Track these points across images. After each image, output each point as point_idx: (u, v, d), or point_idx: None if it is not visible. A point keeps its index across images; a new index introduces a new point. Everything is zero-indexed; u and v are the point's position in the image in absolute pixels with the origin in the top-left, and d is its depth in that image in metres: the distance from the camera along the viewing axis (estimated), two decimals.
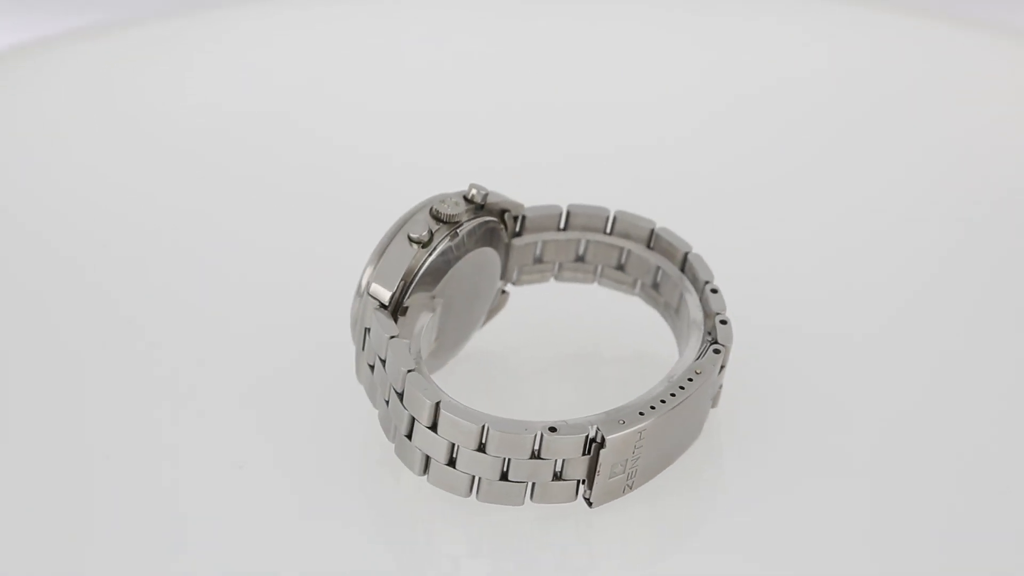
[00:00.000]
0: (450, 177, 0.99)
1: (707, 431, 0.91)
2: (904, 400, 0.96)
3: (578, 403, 0.90)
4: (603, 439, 0.83)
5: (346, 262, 0.94)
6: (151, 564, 0.85)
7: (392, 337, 0.85)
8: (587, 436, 0.83)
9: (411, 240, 0.88)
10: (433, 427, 0.84)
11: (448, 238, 0.89)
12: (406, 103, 1.28)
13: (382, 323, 0.86)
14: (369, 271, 0.88)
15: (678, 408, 0.85)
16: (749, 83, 1.31)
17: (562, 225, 0.96)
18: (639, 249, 0.96)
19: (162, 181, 1.17)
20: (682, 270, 0.95)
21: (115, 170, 1.18)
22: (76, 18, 1.46)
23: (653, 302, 0.97)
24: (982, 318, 1.03)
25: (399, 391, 0.85)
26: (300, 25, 1.38)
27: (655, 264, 0.96)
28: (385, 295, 0.87)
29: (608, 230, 0.96)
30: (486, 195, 0.90)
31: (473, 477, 0.85)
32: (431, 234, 0.88)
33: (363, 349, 0.88)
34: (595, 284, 0.99)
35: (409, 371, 0.84)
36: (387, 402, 0.86)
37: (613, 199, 0.99)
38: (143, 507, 0.88)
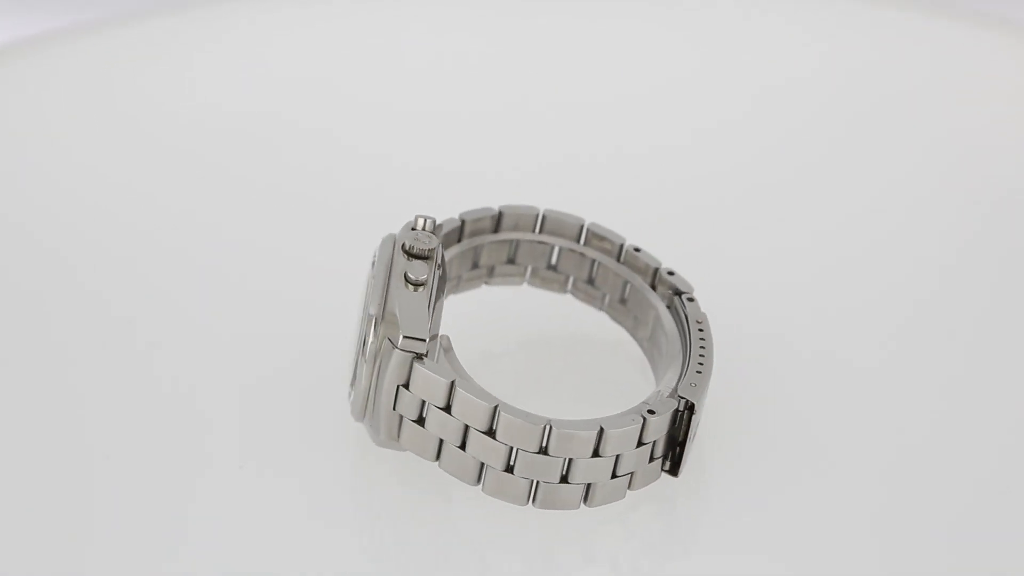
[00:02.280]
0: (448, 177, 1.02)
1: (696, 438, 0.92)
2: (901, 405, 0.99)
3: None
4: (692, 406, 0.86)
5: (344, 267, 0.96)
6: (150, 565, 0.85)
7: (453, 382, 0.84)
8: (676, 410, 0.87)
9: (411, 283, 0.87)
10: (544, 451, 0.84)
11: (437, 269, 0.89)
12: (402, 103, 1.27)
13: (437, 371, 0.84)
14: (387, 328, 0.85)
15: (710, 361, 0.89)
16: (745, 85, 1.33)
17: (498, 228, 0.98)
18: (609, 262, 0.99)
19: (159, 180, 1.15)
20: (619, 260, 0.98)
21: (112, 169, 1.17)
22: (75, 15, 1.43)
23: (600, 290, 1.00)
24: (981, 325, 1.07)
25: (489, 427, 0.84)
26: (301, 23, 1.36)
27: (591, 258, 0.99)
28: (422, 346, 0.85)
29: (569, 239, 0.99)
30: (436, 224, 0.90)
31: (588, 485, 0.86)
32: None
33: (394, 408, 0.86)
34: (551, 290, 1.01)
35: (495, 406, 0.84)
36: (462, 446, 0.85)
37: (606, 203, 1.03)
38: (142, 508, 0.88)
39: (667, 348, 0.94)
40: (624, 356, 1.00)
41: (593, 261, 1.00)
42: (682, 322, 0.94)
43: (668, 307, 0.97)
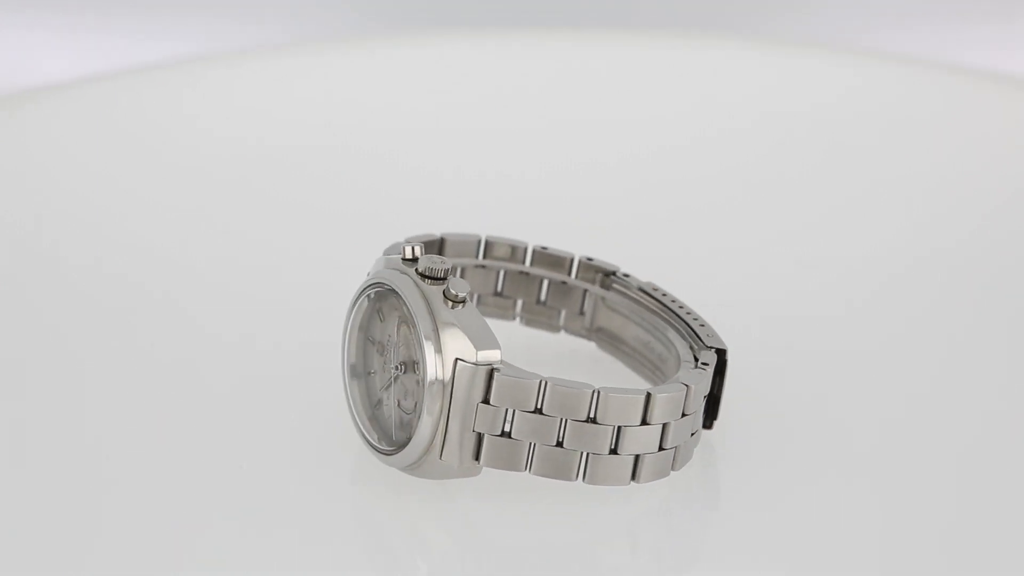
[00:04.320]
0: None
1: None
2: (901, 405, 1.00)
3: None
4: (723, 351, 0.91)
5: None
6: (150, 565, 0.83)
7: (544, 381, 0.83)
8: (721, 358, 0.90)
9: (454, 301, 0.85)
10: (644, 422, 0.84)
11: None
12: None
13: (521, 375, 0.83)
14: (452, 348, 0.83)
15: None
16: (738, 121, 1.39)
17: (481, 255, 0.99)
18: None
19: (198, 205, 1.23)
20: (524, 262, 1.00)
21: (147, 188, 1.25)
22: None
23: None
24: (979, 328, 1.11)
25: (590, 416, 0.83)
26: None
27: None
28: (497, 355, 0.84)
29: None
30: (422, 247, 0.90)
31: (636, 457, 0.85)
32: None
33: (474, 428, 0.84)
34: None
35: (594, 391, 0.83)
36: (559, 443, 0.84)
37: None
38: (143, 509, 0.86)
39: (639, 326, 0.95)
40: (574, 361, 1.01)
41: (497, 272, 1.00)
42: (636, 296, 0.96)
43: (608, 289, 0.98)
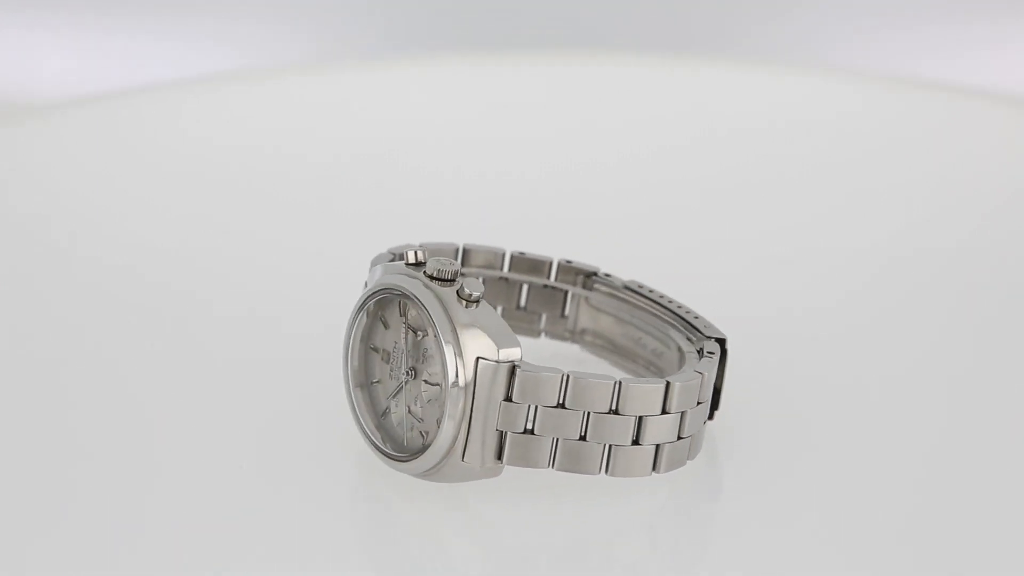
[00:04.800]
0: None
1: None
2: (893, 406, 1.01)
3: None
4: (724, 340, 0.91)
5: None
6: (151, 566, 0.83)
7: (567, 375, 0.83)
8: (722, 348, 0.91)
9: (468, 301, 0.85)
10: (664, 411, 0.85)
11: None
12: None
13: (542, 370, 0.83)
14: (473, 348, 0.83)
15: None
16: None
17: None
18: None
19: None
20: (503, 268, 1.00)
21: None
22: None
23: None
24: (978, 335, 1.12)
25: (612, 407, 0.84)
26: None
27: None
28: (518, 352, 0.84)
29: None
30: (426, 251, 0.89)
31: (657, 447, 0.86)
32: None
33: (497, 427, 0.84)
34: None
35: (617, 382, 0.84)
36: (582, 437, 0.84)
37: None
38: (143, 510, 0.86)
39: (628, 323, 0.96)
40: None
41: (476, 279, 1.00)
42: (623, 295, 0.97)
43: (590, 289, 0.99)
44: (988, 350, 1.10)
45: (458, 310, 0.84)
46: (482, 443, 0.84)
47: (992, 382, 1.05)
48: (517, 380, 0.83)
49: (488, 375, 0.83)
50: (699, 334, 0.93)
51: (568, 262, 1.00)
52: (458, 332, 0.83)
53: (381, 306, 0.88)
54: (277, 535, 0.85)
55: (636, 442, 0.85)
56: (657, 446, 0.86)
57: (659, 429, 0.85)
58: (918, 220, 1.31)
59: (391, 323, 0.88)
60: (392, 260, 0.93)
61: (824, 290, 1.18)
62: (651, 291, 0.97)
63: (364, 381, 0.89)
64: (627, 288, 0.98)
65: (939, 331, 1.12)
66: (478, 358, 0.83)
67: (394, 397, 0.88)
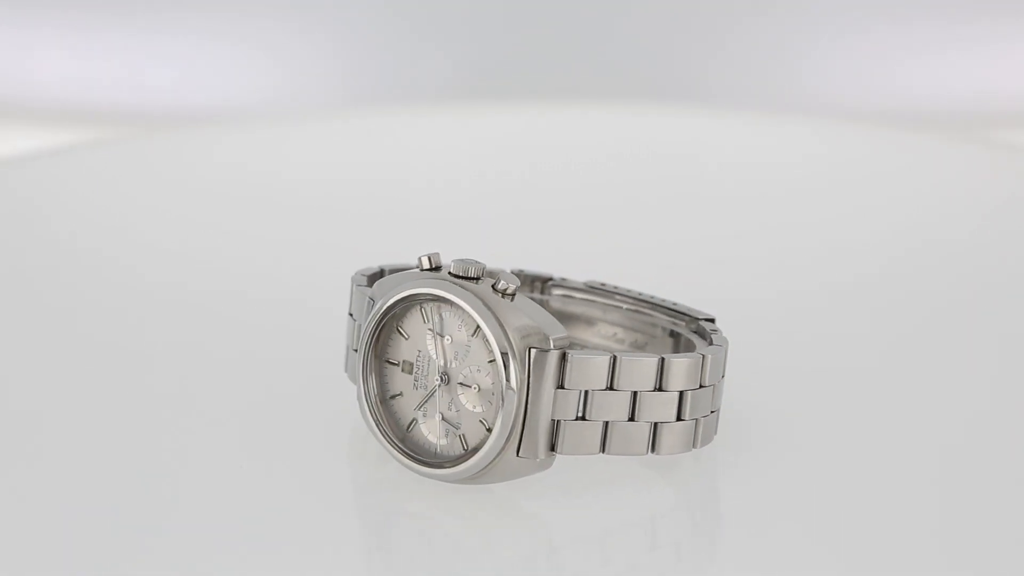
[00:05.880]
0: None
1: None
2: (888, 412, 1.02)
3: None
4: (713, 319, 0.93)
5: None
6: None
7: (615, 356, 0.84)
8: (713, 327, 0.93)
9: (504, 294, 0.84)
10: (701, 385, 0.86)
11: None
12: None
13: (591, 353, 0.84)
14: (522, 339, 0.82)
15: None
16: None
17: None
18: None
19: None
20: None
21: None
22: None
23: None
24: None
25: (657, 385, 0.84)
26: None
27: None
28: (567, 338, 0.84)
29: None
30: (436, 255, 0.88)
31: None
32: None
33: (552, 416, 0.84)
34: None
35: (662, 358, 0.85)
36: (631, 417, 0.84)
37: None
38: (143, 510, 0.86)
39: (602, 320, 0.97)
40: None
41: None
42: (588, 295, 0.99)
43: (548, 294, 1.00)
44: (984, 350, 1.12)
45: (500, 304, 0.83)
46: (538, 434, 0.83)
47: (990, 383, 1.06)
48: (569, 366, 0.83)
49: (541, 364, 0.82)
50: (687, 317, 0.95)
51: (520, 271, 1.00)
52: (505, 326, 0.83)
53: (398, 318, 0.87)
54: (277, 534, 0.84)
55: (680, 418, 0.86)
56: (696, 420, 0.87)
57: (698, 403, 0.86)
58: (905, 221, 1.37)
59: (412, 332, 0.86)
60: (374, 275, 0.93)
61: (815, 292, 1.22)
62: (616, 287, 0.99)
63: (384, 397, 0.88)
64: (590, 287, 0.99)
65: (937, 332, 1.15)
66: (530, 348, 0.82)
67: (422, 407, 0.86)
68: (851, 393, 1.02)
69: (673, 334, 0.96)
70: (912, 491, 0.91)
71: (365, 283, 0.91)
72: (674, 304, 0.97)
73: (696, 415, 0.87)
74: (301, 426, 0.95)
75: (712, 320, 0.94)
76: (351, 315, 0.91)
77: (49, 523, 0.84)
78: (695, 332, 0.95)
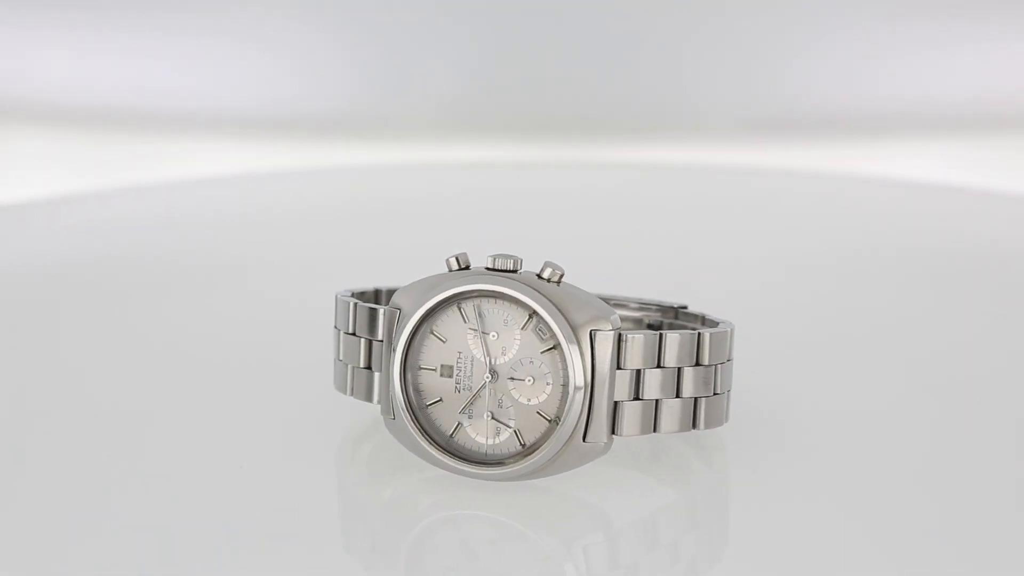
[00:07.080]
0: None
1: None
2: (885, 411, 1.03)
3: None
4: (685, 306, 0.97)
5: None
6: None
7: (661, 333, 0.84)
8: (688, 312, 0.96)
9: (551, 280, 0.83)
10: (728, 359, 0.88)
11: None
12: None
13: (638, 330, 0.86)
14: (585, 323, 0.82)
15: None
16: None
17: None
18: None
19: None
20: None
21: None
22: None
23: None
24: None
25: (698, 360, 0.85)
26: None
27: None
28: (618, 318, 0.84)
29: None
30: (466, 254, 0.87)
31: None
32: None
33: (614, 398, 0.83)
34: None
35: (698, 333, 0.86)
36: (678, 394, 0.85)
37: None
38: (143, 511, 0.85)
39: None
40: None
41: None
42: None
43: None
44: (985, 355, 1.14)
45: (553, 291, 0.83)
46: (604, 417, 0.83)
47: (989, 384, 1.07)
48: (626, 345, 0.83)
49: (603, 346, 0.82)
50: (658, 306, 0.96)
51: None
52: (564, 311, 0.82)
53: (432, 322, 0.85)
54: (276, 535, 0.82)
55: (716, 392, 0.88)
56: (727, 391, 0.89)
57: (725, 376, 0.88)
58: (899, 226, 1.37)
59: (449, 335, 0.85)
60: (363, 293, 0.92)
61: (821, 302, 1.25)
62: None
63: (420, 404, 0.85)
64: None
65: (936, 334, 1.18)
66: (592, 331, 0.82)
67: (467, 409, 0.85)
68: (856, 395, 1.04)
69: (650, 326, 0.98)
70: (912, 491, 0.91)
71: (349, 296, 0.90)
72: (640, 298, 0.98)
73: (723, 389, 0.89)
74: (301, 426, 0.94)
75: (685, 307, 0.97)
76: (336, 328, 0.90)
77: (49, 523, 0.83)
78: (676, 319, 0.97)
